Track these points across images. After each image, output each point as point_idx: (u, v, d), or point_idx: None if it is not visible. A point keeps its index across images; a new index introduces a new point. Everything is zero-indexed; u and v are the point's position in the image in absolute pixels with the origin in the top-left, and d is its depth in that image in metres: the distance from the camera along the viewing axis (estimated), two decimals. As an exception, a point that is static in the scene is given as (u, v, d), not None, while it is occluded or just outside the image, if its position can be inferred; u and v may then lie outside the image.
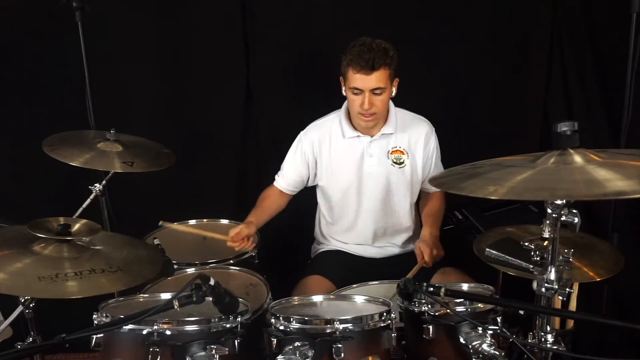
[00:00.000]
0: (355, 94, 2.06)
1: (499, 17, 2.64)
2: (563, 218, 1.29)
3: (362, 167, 2.20)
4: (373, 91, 2.03)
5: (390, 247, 2.31)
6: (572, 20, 2.57)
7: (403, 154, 2.20)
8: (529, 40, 2.68)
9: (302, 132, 2.28)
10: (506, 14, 2.64)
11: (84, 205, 2.15)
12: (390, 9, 2.62)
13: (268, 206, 2.30)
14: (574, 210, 1.29)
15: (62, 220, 1.58)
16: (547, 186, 1.20)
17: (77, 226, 1.60)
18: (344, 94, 2.14)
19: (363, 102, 2.04)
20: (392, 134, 2.19)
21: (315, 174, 2.29)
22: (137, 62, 2.67)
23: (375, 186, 2.21)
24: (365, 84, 2.02)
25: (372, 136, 2.18)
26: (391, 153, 2.19)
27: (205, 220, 2.45)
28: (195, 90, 2.74)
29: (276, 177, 2.35)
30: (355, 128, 2.19)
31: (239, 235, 2.09)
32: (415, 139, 2.21)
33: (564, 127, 1.27)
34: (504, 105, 2.74)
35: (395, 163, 2.19)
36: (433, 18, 2.64)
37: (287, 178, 2.31)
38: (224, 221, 2.44)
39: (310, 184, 2.33)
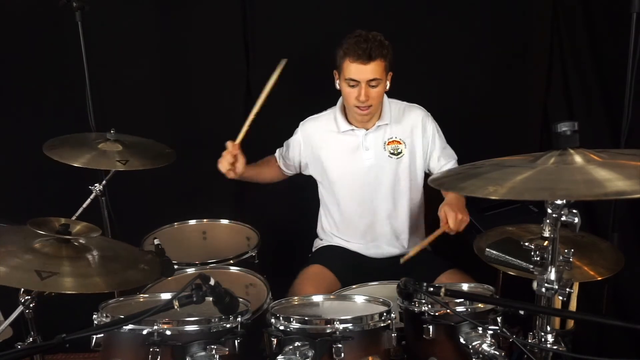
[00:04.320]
0: (352, 86, 2.05)
1: (499, 17, 2.64)
2: (563, 218, 1.28)
3: (359, 161, 2.20)
4: (369, 83, 2.03)
5: (392, 247, 2.29)
6: (572, 20, 2.57)
7: (400, 143, 2.19)
8: (529, 41, 2.68)
9: (301, 123, 2.33)
10: (506, 14, 2.64)
11: (84, 205, 2.15)
12: (390, 9, 2.61)
13: (266, 171, 2.38)
14: (574, 210, 1.28)
15: (62, 221, 1.59)
16: (547, 186, 1.19)
17: (77, 227, 1.61)
18: (338, 87, 2.14)
19: (359, 94, 2.04)
20: (387, 124, 2.19)
21: (307, 165, 2.33)
22: (137, 62, 2.67)
23: (374, 179, 2.21)
24: (361, 74, 2.02)
25: (367, 129, 2.19)
26: (387, 144, 2.19)
27: (205, 220, 2.45)
28: (196, 90, 2.74)
29: (277, 150, 2.41)
30: (350, 122, 2.20)
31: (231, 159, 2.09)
32: (411, 127, 2.21)
33: (564, 127, 1.27)
34: (504, 105, 2.74)
35: (393, 154, 2.19)
36: (433, 18, 2.64)
37: (284, 157, 2.39)
38: (224, 221, 2.44)
39: (302, 171, 2.37)
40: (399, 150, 2.19)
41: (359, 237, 2.29)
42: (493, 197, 1.19)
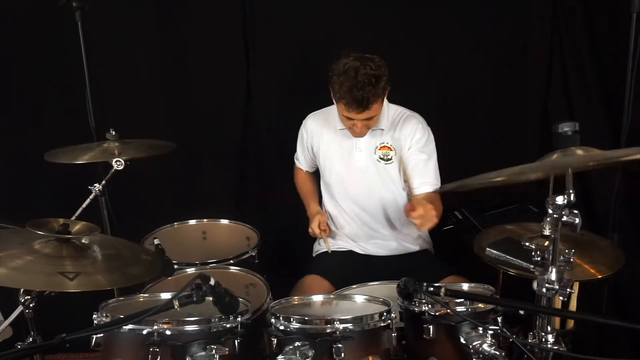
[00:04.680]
0: (347, 119, 2.06)
1: (499, 17, 2.64)
2: (564, 218, 1.28)
3: (352, 161, 2.21)
4: (365, 119, 2.04)
5: (391, 244, 2.28)
6: (572, 20, 2.57)
7: (391, 150, 2.18)
8: (529, 41, 2.68)
9: (305, 119, 2.35)
10: (506, 14, 2.64)
11: (84, 205, 2.14)
12: (390, 9, 2.61)
13: (311, 186, 2.42)
14: (575, 211, 1.28)
15: (61, 221, 1.59)
16: (546, 165, 1.19)
17: (76, 227, 1.61)
18: (335, 102, 2.11)
19: (355, 125, 2.06)
20: (382, 130, 2.19)
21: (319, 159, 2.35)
22: (137, 62, 2.67)
23: (364, 181, 2.21)
24: (358, 116, 2.02)
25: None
26: (379, 149, 2.18)
27: (205, 220, 2.45)
28: (196, 90, 2.74)
29: (295, 159, 2.44)
30: None
31: (322, 225, 2.22)
32: (405, 135, 2.18)
33: (565, 127, 1.27)
34: (504, 105, 2.74)
35: (382, 159, 2.18)
36: (432, 18, 2.64)
37: (301, 159, 2.42)
38: (224, 221, 2.44)
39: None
40: (389, 157, 2.17)
41: (356, 234, 2.29)
42: (497, 180, 1.18)
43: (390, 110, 2.20)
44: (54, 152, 2.09)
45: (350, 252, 2.31)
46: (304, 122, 2.35)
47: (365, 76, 1.94)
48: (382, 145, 2.18)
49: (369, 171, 2.19)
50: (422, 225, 1.90)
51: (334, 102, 2.10)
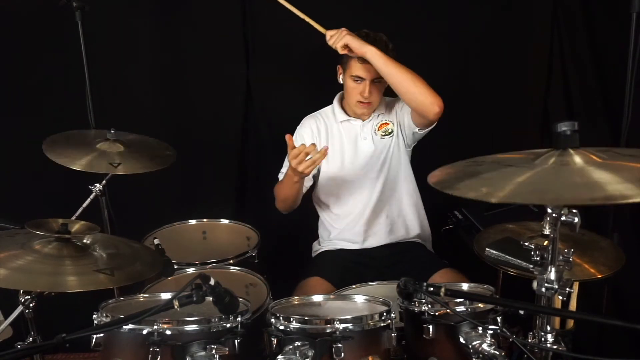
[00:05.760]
0: (356, 81, 2.14)
1: (499, 16, 2.64)
2: (563, 218, 1.28)
3: (359, 150, 2.26)
4: (373, 80, 2.12)
5: (391, 231, 2.30)
6: (572, 20, 2.57)
7: (388, 124, 2.27)
8: (529, 40, 2.68)
9: (297, 127, 2.35)
10: (506, 14, 2.64)
11: (84, 205, 2.14)
12: (391, 9, 2.62)
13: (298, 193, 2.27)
14: (574, 210, 1.28)
15: (60, 221, 1.59)
16: (539, 189, 1.17)
17: (76, 227, 1.60)
18: (341, 82, 2.20)
19: (363, 91, 2.14)
20: (382, 113, 2.28)
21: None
22: (137, 62, 2.67)
23: (374, 164, 2.26)
24: (368, 73, 2.10)
25: (363, 120, 2.27)
26: (379, 128, 2.26)
27: (205, 220, 2.45)
28: (196, 90, 2.74)
29: (280, 176, 2.34)
30: (347, 113, 2.27)
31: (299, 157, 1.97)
32: (394, 109, 2.28)
33: (564, 127, 1.27)
34: (504, 105, 2.74)
35: (385, 135, 2.26)
36: (432, 17, 2.65)
37: None
38: (224, 221, 2.44)
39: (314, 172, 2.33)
40: (390, 130, 2.26)
41: (364, 228, 2.29)
42: (490, 201, 1.17)
43: (387, 100, 2.31)
44: (52, 140, 2.08)
45: (348, 251, 2.32)
46: (298, 127, 2.35)
47: (377, 36, 2.13)
48: (381, 123, 2.27)
49: (378, 153, 2.25)
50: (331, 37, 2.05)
51: (341, 79, 2.20)
